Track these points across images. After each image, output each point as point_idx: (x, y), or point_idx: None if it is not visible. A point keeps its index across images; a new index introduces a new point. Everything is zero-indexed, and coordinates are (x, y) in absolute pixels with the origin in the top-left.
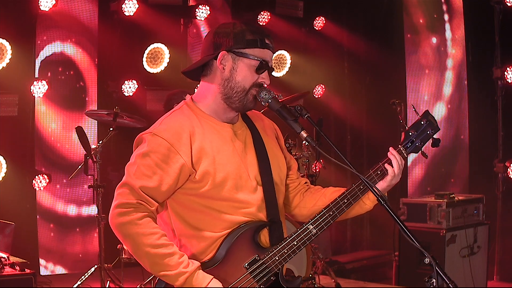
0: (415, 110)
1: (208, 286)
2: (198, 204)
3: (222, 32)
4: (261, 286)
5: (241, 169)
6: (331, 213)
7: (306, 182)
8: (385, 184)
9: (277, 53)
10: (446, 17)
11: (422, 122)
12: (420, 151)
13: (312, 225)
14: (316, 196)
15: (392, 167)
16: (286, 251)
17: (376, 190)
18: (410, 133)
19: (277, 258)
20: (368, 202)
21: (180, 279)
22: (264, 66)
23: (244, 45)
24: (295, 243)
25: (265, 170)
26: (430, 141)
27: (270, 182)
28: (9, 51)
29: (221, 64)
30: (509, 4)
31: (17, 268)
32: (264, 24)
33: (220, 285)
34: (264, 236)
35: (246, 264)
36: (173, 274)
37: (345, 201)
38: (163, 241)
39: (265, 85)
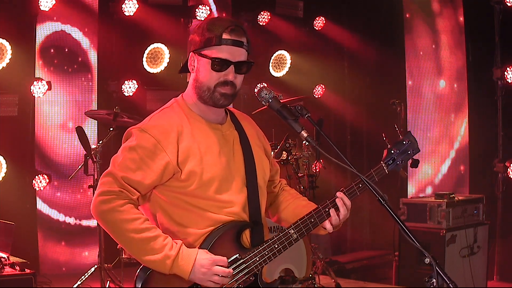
0: (397, 129)
1: (196, 261)
2: (184, 202)
3: (193, 31)
4: (240, 286)
5: (228, 170)
6: (312, 220)
7: (285, 184)
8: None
9: (277, 53)
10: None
11: (404, 142)
12: (400, 170)
13: (293, 230)
14: (287, 201)
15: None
16: (267, 253)
17: (376, 189)
18: (392, 151)
19: (257, 259)
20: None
21: (167, 262)
22: (217, 64)
23: (202, 45)
24: (276, 246)
25: (251, 172)
26: (410, 161)
27: (255, 185)
28: (9, 51)
29: (191, 65)
30: (509, 4)
31: (17, 268)
32: (264, 24)
33: (207, 254)
34: (246, 237)
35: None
36: (159, 259)
37: (327, 210)
38: (146, 225)
39: (230, 81)
